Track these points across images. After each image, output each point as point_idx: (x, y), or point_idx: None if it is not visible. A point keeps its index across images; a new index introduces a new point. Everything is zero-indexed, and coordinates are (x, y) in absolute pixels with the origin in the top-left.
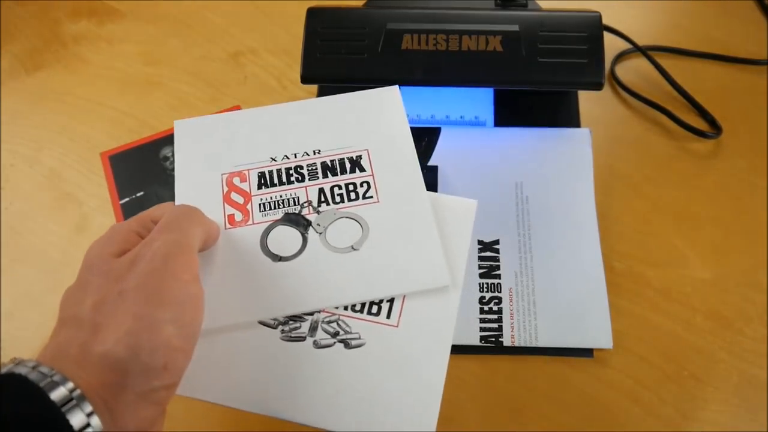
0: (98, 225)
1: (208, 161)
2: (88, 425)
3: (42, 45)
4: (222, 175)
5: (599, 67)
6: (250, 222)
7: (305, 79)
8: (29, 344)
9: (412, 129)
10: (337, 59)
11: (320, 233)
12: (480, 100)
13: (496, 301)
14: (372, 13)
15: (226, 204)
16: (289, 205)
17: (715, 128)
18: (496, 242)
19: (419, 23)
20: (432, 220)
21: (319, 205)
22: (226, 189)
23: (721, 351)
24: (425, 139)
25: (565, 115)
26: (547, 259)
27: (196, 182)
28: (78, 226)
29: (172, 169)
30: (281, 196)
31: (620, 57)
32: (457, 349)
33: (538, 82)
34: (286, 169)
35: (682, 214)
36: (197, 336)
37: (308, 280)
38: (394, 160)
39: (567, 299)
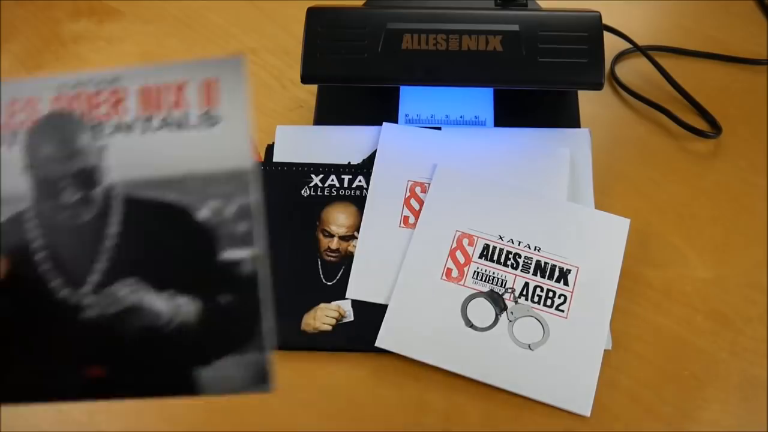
0: None
1: (451, 212)
2: None
3: (42, 44)
4: (456, 231)
5: (599, 67)
6: (462, 282)
7: (305, 78)
8: None
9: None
10: (337, 59)
11: (510, 321)
12: (480, 100)
13: None
14: (372, 13)
15: (450, 258)
16: (495, 284)
17: (715, 128)
18: None
19: (419, 23)
20: (600, 355)
21: (519, 297)
22: (454, 245)
23: (721, 351)
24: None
25: (565, 115)
26: None
27: (434, 227)
28: None
29: None
30: (494, 274)
31: (620, 57)
32: None
33: (538, 82)
34: (507, 251)
35: (682, 214)
36: None
37: (483, 354)
38: (595, 287)
39: None
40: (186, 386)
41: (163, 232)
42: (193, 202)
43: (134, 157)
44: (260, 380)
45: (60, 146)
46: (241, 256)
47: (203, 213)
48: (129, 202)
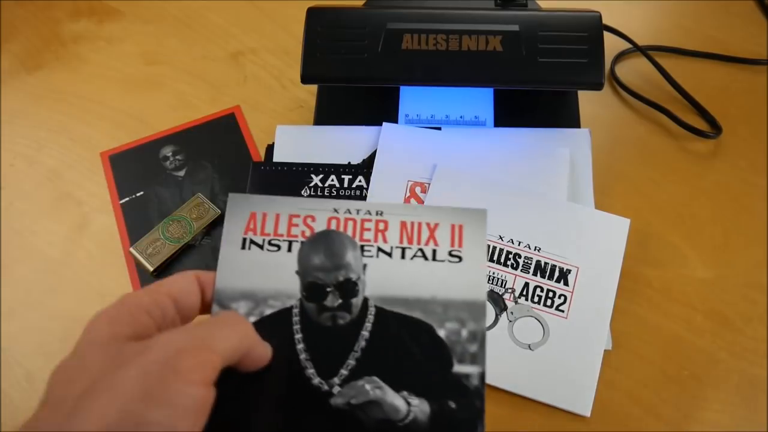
0: (98, 225)
1: None
2: None
3: (42, 44)
4: None
5: (599, 67)
6: None
7: (305, 78)
8: (29, 344)
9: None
10: (337, 59)
11: (510, 321)
12: (480, 100)
13: None
14: (372, 13)
15: None
16: (496, 284)
17: (715, 128)
18: None
19: (419, 23)
20: (600, 355)
21: (519, 297)
22: None
23: (721, 351)
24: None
25: (565, 115)
26: None
27: None
28: (78, 226)
29: (172, 169)
30: (494, 274)
31: (620, 57)
32: None
33: (538, 82)
34: (507, 251)
35: (682, 214)
36: None
37: None
38: (595, 287)
39: None
40: None
41: (407, 342)
42: (435, 322)
43: (389, 277)
44: None
45: (330, 259)
46: (469, 371)
47: (442, 332)
48: (380, 313)
